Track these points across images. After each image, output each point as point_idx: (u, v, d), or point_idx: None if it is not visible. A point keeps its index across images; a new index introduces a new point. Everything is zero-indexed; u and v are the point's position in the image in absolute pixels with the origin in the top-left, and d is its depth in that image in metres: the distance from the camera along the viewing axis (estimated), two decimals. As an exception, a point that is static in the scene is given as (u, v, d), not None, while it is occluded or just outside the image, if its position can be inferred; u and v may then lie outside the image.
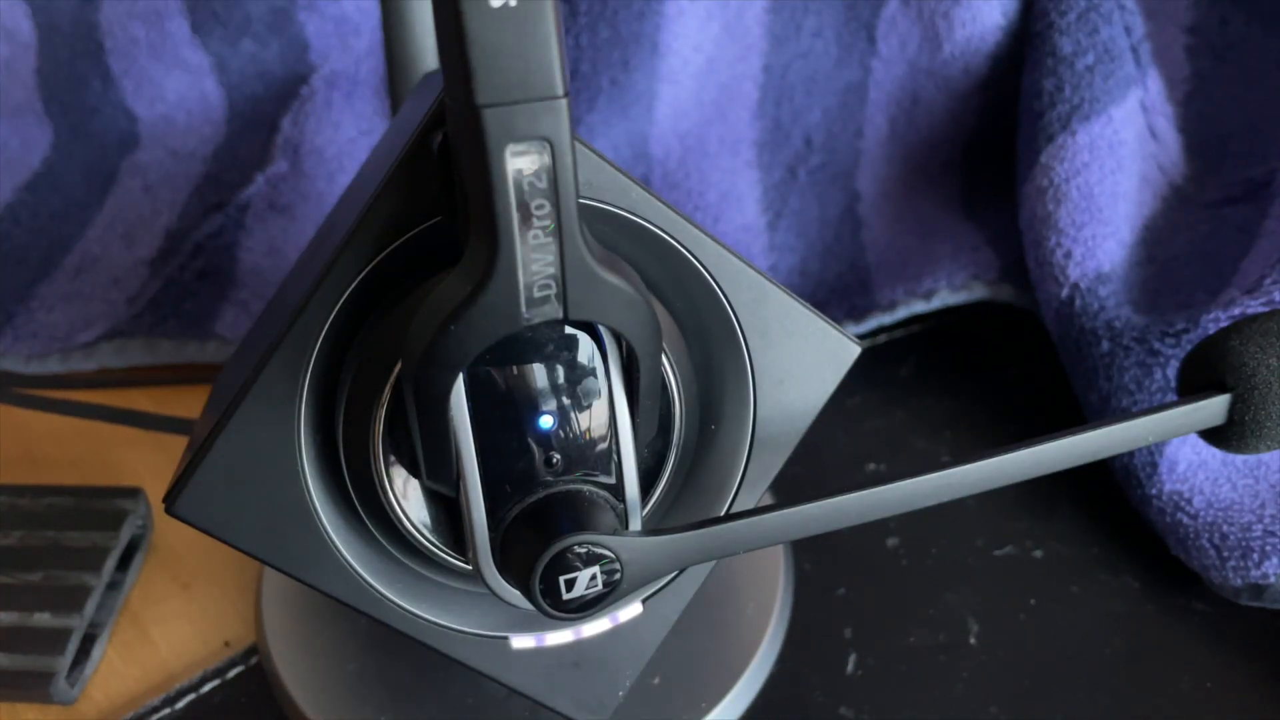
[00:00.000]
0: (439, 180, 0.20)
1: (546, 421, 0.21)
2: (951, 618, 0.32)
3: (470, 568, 0.22)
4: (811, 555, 0.34)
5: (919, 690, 0.30)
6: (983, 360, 0.42)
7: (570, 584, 0.20)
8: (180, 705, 0.31)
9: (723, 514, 0.25)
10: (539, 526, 0.21)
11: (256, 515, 0.22)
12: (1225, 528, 0.31)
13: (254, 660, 0.32)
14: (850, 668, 0.31)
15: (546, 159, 0.18)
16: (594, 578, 0.20)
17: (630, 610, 0.25)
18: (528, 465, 0.21)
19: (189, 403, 0.41)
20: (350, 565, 0.23)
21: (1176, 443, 0.33)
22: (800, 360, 0.25)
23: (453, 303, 0.19)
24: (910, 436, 0.39)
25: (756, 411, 0.25)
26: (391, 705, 0.29)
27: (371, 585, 0.23)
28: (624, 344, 0.21)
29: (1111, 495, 0.35)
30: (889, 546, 0.34)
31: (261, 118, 0.49)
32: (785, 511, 0.22)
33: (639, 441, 0.22)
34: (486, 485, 0.21)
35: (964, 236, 0.43)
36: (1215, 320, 0.33)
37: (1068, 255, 0.37)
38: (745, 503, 0.25)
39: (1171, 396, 0.33)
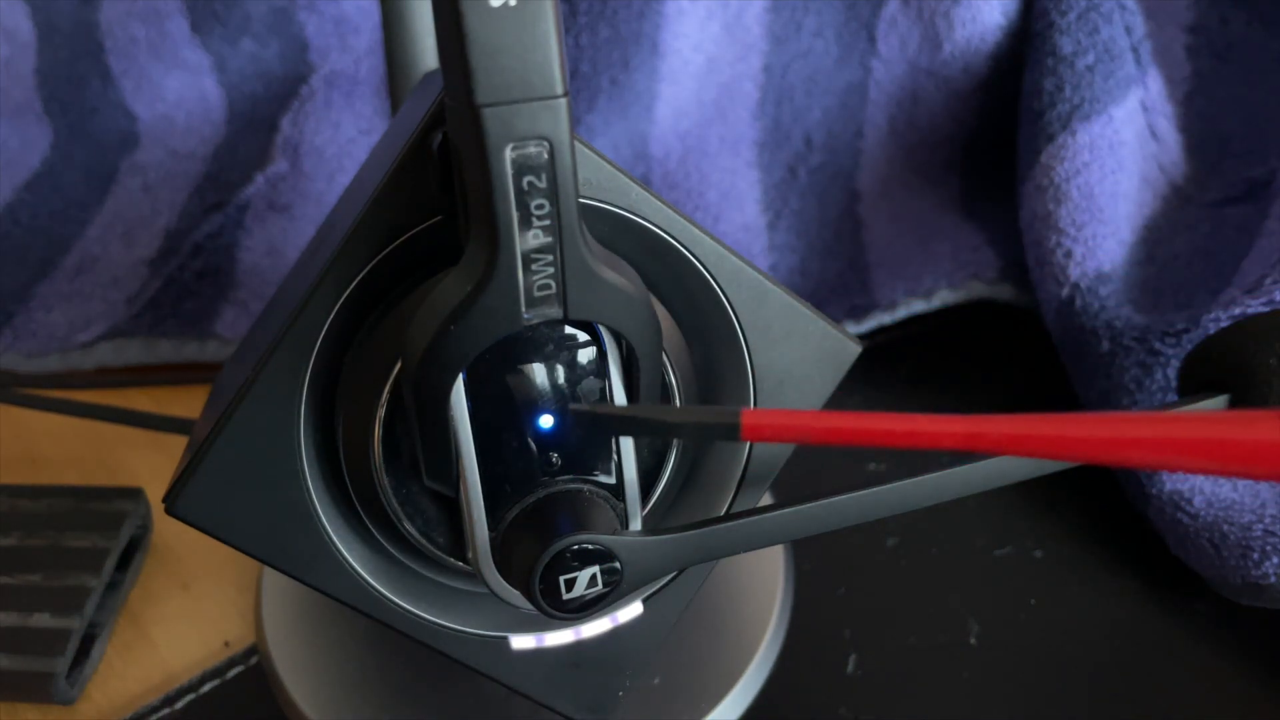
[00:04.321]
0: (439, 180, 0.20)
1: (546, 421, 0.21)
2: (951, 618, 0.32)
3: (470, 568, 0.22)
4: (811, 555, 0.34)
5: (919, 690, 0.30)
6: (983, 360, 0.42)
7: (570, 584, 0.20)
8: (180, 705, 0.31)
9: (723, 514, 0.25)
10: (539, 526, 0.21)
11: (256, 515, 0.22)
12: (1225, 527, 0.31)
13: (254, 660, 0.32)
14: (850, 668, 0.31)
15: (546, 158, 0.18)
16: (594, 578, 0.20)
17: (630, 610, 0.25)
18: (527, 465, 0.21)
19: (189, 403, 0.41)
20: (350, 565, 0.23)
21: (1177, 443, 0.33)
22: (800, 360, 0.25)
23: (453, 303, 0.19)
24: (910, 436, 0.39)
25: (756, 411, 0.25)
26: (391, 705, 0.29)
27: (371, 585, 0.23)
28: (624, 344, 0.21)
29: (1111, 495, 0.35)
30: (889, 546, 0.34)
31: (261, 117, 0.49)
32: (785, 511, 0.22)
33: (639, 441, 0.22)
34: (486, 485, 0.21)
35: (964, 236, 0.43)
36: (1216, 320, 0.33)
37: (1068, 255, 0.37)
38: (745, 503, 0.25)
39: (1172, 396, 0.33)
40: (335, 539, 0.23)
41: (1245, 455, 0.16)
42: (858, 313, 0.42)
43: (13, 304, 0.45)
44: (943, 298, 0.42)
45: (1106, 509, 0.35)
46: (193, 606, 0.34)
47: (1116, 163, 0.39)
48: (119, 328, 0.44)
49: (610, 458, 0.22)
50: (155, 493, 0.31)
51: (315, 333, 0.21)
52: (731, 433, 0.19)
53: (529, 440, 0.21)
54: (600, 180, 0.22)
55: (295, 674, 0.30)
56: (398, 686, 0.30)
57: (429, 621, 0.24)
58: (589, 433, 0.22)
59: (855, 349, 0.25)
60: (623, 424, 0.21)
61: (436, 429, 0.20)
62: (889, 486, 0.22)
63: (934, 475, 0.22)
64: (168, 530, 0.36)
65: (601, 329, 0.21)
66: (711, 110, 0.47)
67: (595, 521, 0.21)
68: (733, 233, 0.46)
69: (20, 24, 0.50)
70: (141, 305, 0.44)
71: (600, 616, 0.25)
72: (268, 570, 0.34)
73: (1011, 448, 0.18)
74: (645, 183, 0.28)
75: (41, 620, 0.31)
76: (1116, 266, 0.37)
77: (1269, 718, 0.29)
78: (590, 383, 0.21)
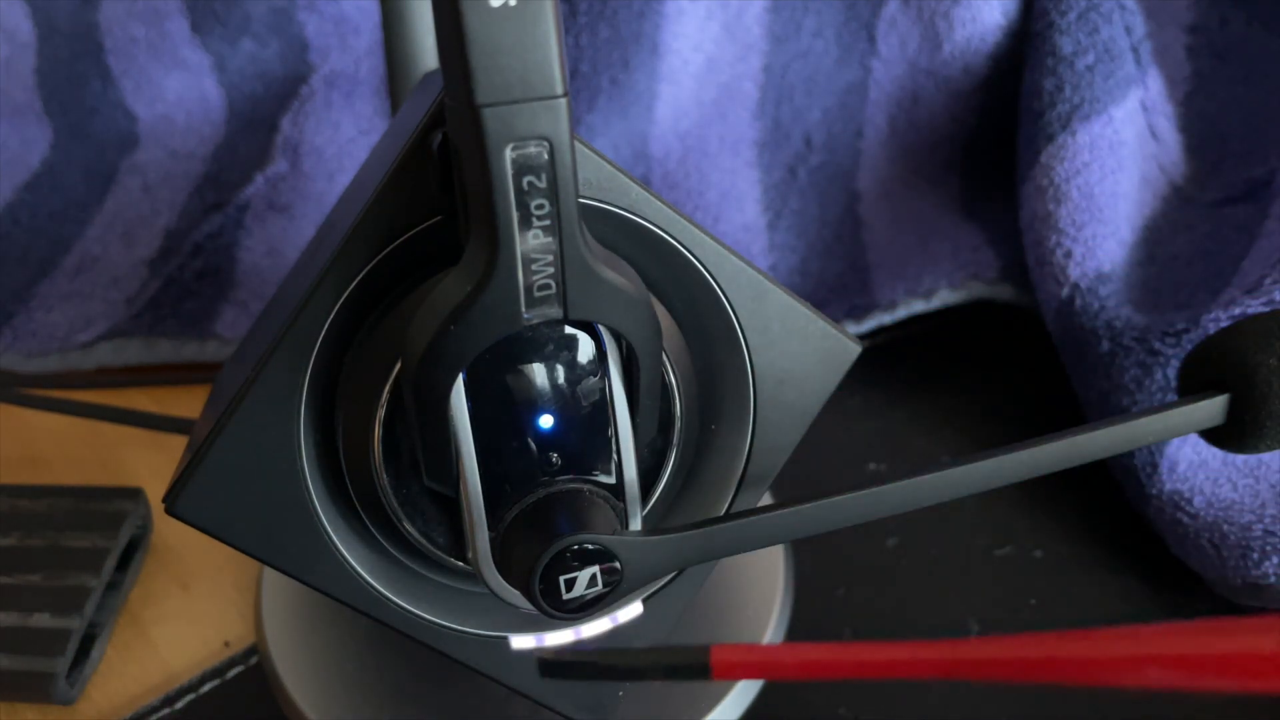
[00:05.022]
0: (439, 180, 0.20)
1: (546, 421, 0.21)
2: (951, 618, 0.32)
3: (470, 568, 0.22)
4: (811, 555, 0.34)
5: (919, 690, 0.30)
6: (983, 360, 0.42)
7: (570, 584, 0.20)
8: (180, 705, 0.31)
9: (723, 514, 0.25)
10: (539, 526, 0.21)
11: (256, 515, 0.22)
12: (1225, 528, 0.31)
13: (254, 660, 0.32)
14: (850, 668, 0.31)
15: (546, 158, 0.18)
16: (594, 578, 0.20)
17: (630, 610, 0.25)
18: (527, 465, 0.21)
19: (189, 403, 0.41)
20: (350, 565, 0.23)
21: (1176, 443, 0.33)
22: (800, 360, 0.25)
23: (452, 303, 0.19)
24: (910, 436, 0.39)
25: (756, 411, 0.25)
26: (391, 705, 0.29)
27: (371, 585, 0.23)
28: (624, 344, 0.21)
29: (1111, 495, 0.35)
30: (889, 546, 0.34)
31: (261, 118, 0.49)
32: (785, 511, 0.22)
33: (639, 441, 0.22)
34: (486, 485, 0.21)
35: (964, 236, 0.43)
36: (1215, 320, 0.33)
37: (1068, 255, 0.37)
38: (745, 503, 0.25)
39: (1171, 396, 0.33)
40: (335, 539, 0.23)
41: (1234, 669, 0.15)
42: (858, 313, 0.42)
43: (13, 304, 0.45)
44: (943, 298, 0.42)
45: (1106, 509, 0.35)
46: (193, 606, 0.34)
47: (1116, 163, 0.39)
48: (119, 328, 0.44)
49: (610, 458, 0.22)
50: (155, 493, 0.31)
51: (315, 333, 0.21)
52: (702, 673, 0.18)
53: (529, 440, 0.21)
54: (600, 180, 0.22)
55: (295, 674, 0.30)
56: (398, 686, 0.30)
57: (429, 621, 0.24)
58: (589, 432, 0.22)
59: (855, 349, 0.25)
60: (593, 670, 0.20)
61: (436, 429, 0.20)
62: (889, 486, 0.22)
63: (934, 475, 0.22)
64: (168, 530, 0.36)
65: (601, 329, 0.21)
66: (711, 110, 0.47)
67: (595, 521, 0.21)
68: (733, 233, 0.46)
69: (20, 24, 0.50)
70: (141, 305, 0.44)
71: (600, 616, 0.25)
72: (268, 570, 0.34)
73: (991, 673, 0.17)
74: (645, 183, 0.28)
75: (41, 620, 0.31)
76: (1116, 266, 0.37)
77: (1269, 718, 0.29)
78: (590, 383, 0.21)
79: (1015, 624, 0.32)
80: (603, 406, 0.21)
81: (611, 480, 0.22)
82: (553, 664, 0.21)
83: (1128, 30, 0.41)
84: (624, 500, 0.22)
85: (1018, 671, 0.16)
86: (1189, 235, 0.39)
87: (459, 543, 0.23)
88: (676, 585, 0.26)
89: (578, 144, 0.20)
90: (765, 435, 0.25)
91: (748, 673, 0.18)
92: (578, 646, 0.23)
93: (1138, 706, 0.29)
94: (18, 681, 0.30)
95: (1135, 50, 0.41)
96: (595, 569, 0.20)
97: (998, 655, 0.16)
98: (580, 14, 0.47)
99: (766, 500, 0.25)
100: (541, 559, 0.20)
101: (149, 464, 0.39)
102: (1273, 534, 0.31)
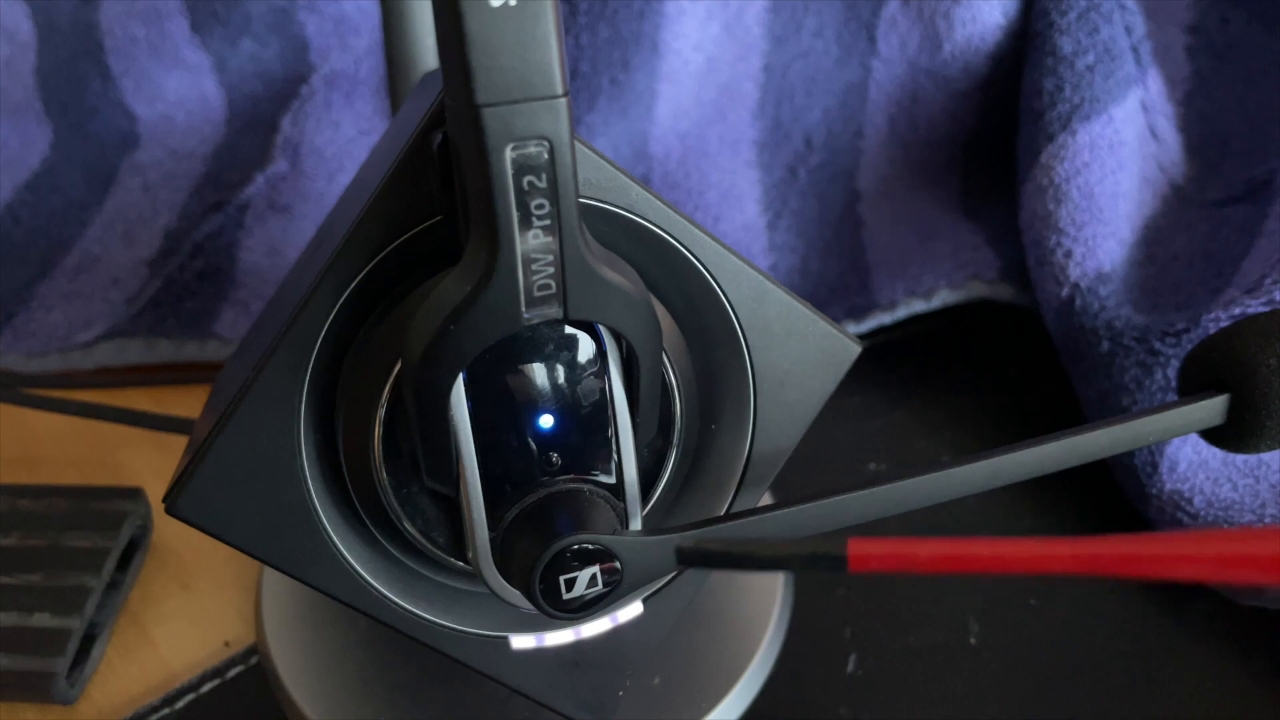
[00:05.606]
0: (439, 180, 0.20)
1: (546, 421, 0.21)
2: (951, 618, 0.32)
3: (470, 568, 0.22)
4: (811, 555, 0.34)
5: (919, 690, 0.30)
6: (983, 360, 0.42)
7: (570, 584, 0.20)
8: (180, 705, 0.31)
9: (723, 514, 0.25)
10: (539, 526, 0.21)
11: (256, 515, 0.22)
12: (1225, 527, 0.31)
13: (254, 660, 0.32)
14: (850, 668, 0.31)
15: (546, 158, 0.18)
16: (594, 577, 0.20)
17: (630, 610, 0.25)
18: (527, 465, 0.21)
19: (189, 403, 0.41)
20: (350, 565, 0.23)
21: (1177, 443, 0.33)
22: (800, 360, 0.25)
23: (452, 303, 0.19)
24: (910, 436, 0.39)
25: (756, 411, 0.25)
26: (391, 705, 0.29)
27: (371, 585, 0.23)
28: (624, 344, 0.21)
29: (1111, 495, 0.35)
30: (889, 546, 0.34)
31: (261, 117, 0.49)
32: (785, 511, 0.22)
33: (639, 441, 0.22)
34: (486, 485, 0.21)
35: (964, 236, 0.43)
36: (1215, 320, 0.33)
37: (1068, 255, 0.37)
38: (745, 503, 0.25)
39: (1171, 396, 0.33)
40: (335, 539, 0.23)
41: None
42: (858, 313, 0.42)
43: (13, 304, 0.45)
44: (943, 298, 0.42)
45: (1106, 509, 0.35)
46: (193, 606, 0.34)
47: (1116, 163, 0.39)
48: (119, 328, 0.44)
49: (610, 458, 0.22)
50: (155, 493, 0.31)
51: (315, 333, 0.21)
52: (839, 564, 0.19)
53: (529, 440, 0.21)
54: (600, 180, 0.22)
55: (295, 674, 0.30)
56: (398, 686, 0.30)
57: (429, 621, 0.24)
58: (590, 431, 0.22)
59: (855, 349, 0.25)
60: (728, 559, 0.21)
61: (436, 429, 0.20)
62: (889, 486, 0.22)
63: (934, 475, 0.22)
64: (168, 530, 0.36)
65: (601, 329, 0.21)
66: (711, 110, 0.48)
67: (595, 521, 0.21)
68: (733, 233, 0.46)
69: (20, 24, 0.50)
70: (141, 305, 0.44)
71: (600, 616, 0.25)
72: (268, 570, 0.34)
73: (1127, 569, 0.17)
74: (645, 183, 0.28)
75: (41, 620, 0.31)
76: (1116, 266, 0.37)
77: (1269, 718, 0.29)
78: (590, 383, 0.21)
79: (1015, 624, 0.32)
80: (603, 406, 0.21)
81: (611, 480, 0.22)
82: (691, 552, 0.21)
83: (1128, 30, 0.41)
84: (624, 500, 0.22)
85: (1134, 567, 0.17)
86: (1189, 235, 0.39)
87: (459, 543, 0.23)
88: (676, 585, 0.26)
89: (578, 144, 0.20)
90: (765, 435, 0.25)
91: (884, 565, 0.19)
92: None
93: (1138, 706, 0.29)
94: (18, 681, 0.30)
95: (1135, 50, 0.41)
96: (595, 569, 0.20)
97: (1132, 551, 0.17)
98: (580, 14, 0.47)
99: (766, 500, 0.25)
100: (542, 559, 0.20)
101: (149, 464, 0.39)
102: (1273, 534, 0.31)
